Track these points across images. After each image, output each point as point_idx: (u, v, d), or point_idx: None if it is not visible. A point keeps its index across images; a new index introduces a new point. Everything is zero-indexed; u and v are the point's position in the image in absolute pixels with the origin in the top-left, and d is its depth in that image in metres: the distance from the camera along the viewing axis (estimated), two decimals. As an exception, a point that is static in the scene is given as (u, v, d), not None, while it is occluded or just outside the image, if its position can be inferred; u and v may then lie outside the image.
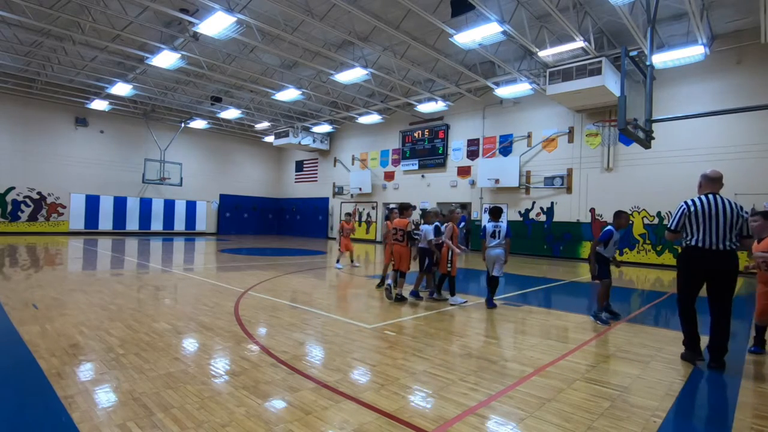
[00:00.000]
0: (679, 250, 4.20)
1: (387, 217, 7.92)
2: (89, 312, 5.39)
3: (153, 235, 23.78)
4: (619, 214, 5.80)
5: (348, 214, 12.06)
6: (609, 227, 5.74)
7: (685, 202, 4.01)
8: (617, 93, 9.72)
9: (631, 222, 14.56)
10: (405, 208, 6.97)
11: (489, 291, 6.54)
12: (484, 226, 6.61)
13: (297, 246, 19.13)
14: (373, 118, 21.55)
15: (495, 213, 6.66)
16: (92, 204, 22.22)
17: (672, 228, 4.11)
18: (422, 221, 6.94)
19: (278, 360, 3.81)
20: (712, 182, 4.01)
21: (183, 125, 24.81)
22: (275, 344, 4.30)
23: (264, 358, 3.85)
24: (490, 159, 18.35)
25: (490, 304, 6.46)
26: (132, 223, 23.54)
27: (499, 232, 6.43)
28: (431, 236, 6.75)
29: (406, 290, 7.15)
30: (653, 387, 3.45)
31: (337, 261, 11.22)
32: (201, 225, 26.32)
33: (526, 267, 12.96)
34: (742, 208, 3.86)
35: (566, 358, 4.13)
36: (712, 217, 3.81)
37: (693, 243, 3.90)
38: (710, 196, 3.92)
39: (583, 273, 11.81)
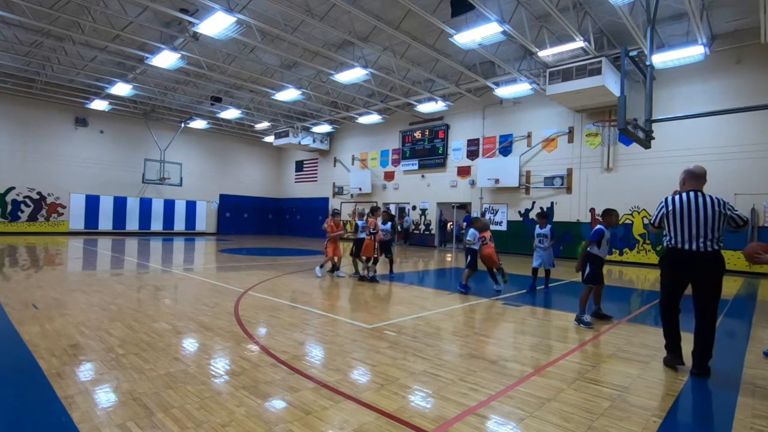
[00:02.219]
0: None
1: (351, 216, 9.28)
2: (89, 312, 5.39)
3: (153, 235, 23.79)
4: (608, 212, 5.74)
5: (336, 211, 10.21)
6: (599, 226, 5.65)
7: (665, 200, 3.86)
8: (617, 93, 9.72)
9: (630, 222, 14.57)
10: (374, 210, 9.33)
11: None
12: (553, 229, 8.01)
13: (297, 246, 19.13)
14: (373, 118, 21.56)
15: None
16: (92, 204, 22.23)
17: (653, 223, 4.06)
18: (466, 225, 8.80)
19: (278, 360, 3.81)
20: (695, 179, 3.75)
21: (183, 125, 24.82)
22: (275, 344, 4.30)
23: (264, 358, 3.85)
24: (490, 159, 18.36)
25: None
26: (132, 223, 23.55)
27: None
28: (468, 237, 8.31)
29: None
30: (653, 387, 3.45)
31: (321, 266, 9.55)
32: (201, 225, 26.33)
33: (526, 267, 12.96)
34: (725, 204, 3.63)
35: (566, 358, 4.13)
36: (691, 216, 3.62)
37: (672, 243, 3.76)
38: (691, 194, 3.71)
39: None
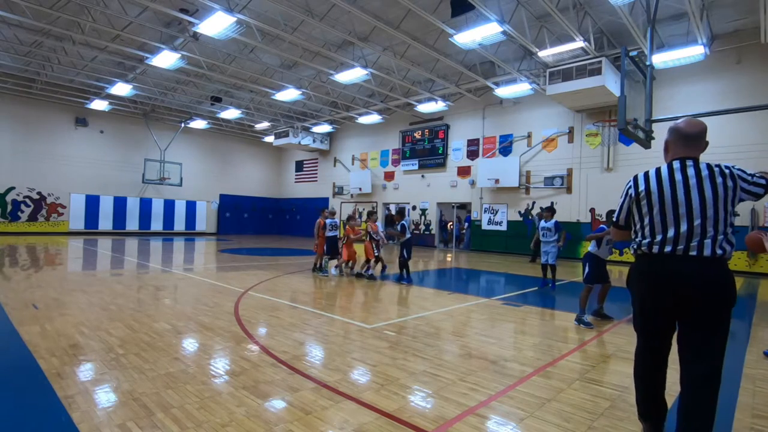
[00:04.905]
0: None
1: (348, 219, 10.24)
2: (89, 312, 5.39)
3: (153, 235, 23.78)
4: (612, 213, 5.80)
5: (350, 217, 10.36)
6: (602, 226, 5.75)
7: (634, 178, 2.39)
8: (617, 93, 9.72)
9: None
10: (370, 214, 9.82)
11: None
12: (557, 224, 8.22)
13: (297, 246, 19.13)
14: (373, 118, 21.55)
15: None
16: (92, 204, 22.22)
17: (617, 221, 2.53)
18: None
19: (278, 360, 3.81)
20: (687, 141, 2.28)
21: (183, 125, 24.81)
22: (275, 344, 4.30)
23: (264, 358, 3.85)
24: (490, 159, 18.35)
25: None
26: (132, 223, 23.54)
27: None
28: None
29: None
30: (653, 387, 3.45)
31: (336, 266, 9.89)
32: (201, 225, 26.32)
33: (526, 267, 12.96)
34: (734, 172, 2.17)
35: (566, 358, 4.13)
36: (678, 199, 2.17)
37: (646, 247, 2.26)
38: (675, 164, 2.25)
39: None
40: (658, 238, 2.21)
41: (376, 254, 9.30)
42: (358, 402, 2.97)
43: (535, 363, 3.95)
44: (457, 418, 2.77)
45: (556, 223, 8.07)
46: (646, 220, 2.27)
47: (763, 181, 2.18)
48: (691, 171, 2.19)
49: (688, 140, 2.29)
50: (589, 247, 5.72)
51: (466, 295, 7.55)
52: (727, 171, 2.16)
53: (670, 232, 2.17)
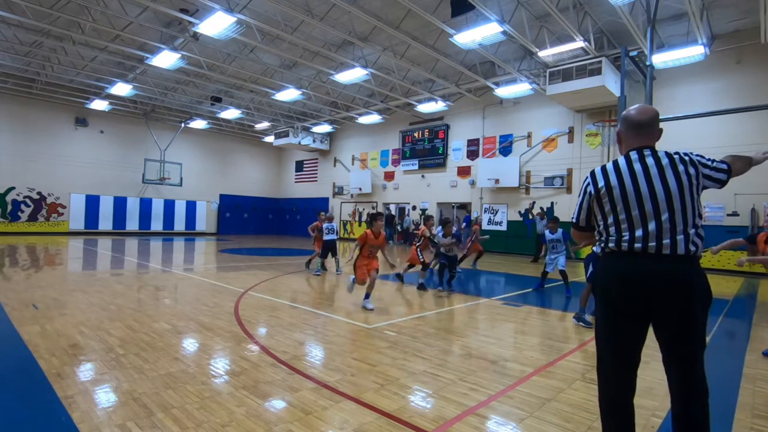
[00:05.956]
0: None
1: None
2: (89, 312, 5.39)
3: (153, 235, 23.78)
4: None
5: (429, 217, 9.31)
6: None
7: (591, 174, 2.22)
8: (617, 93, 9.74)
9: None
10: (427, 219, 8.80)
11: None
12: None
13: (297, 246, 19.12)
14: (373, 118, 21.56)
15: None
16: (92, 204, 22.23)
17: (577, 222, 2.31)
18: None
19: (278, 360, 3.81)
20: (639, 129, 2.15)
21: (183, 125, 24.81)
22: (275, 344, 4.30)
23: (264, 358, 3.85)
24: (490, 159, 18.36)
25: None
26: (132, 223, 23.55)
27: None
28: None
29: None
30: (653, 387, 3.45)
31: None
32: (201, 225, 26.32)
33: (526, 267, 12.96)
34: (693, 159, 2.04)
35: (566, 358, 4.13)
36: (641, 191, 2.02)
37: (613, 245, 2.08)
38: (633, 155, 2.11)
39: (583, 273, 11.78)
40: (626, 236, 2.04)
41: (422, 260, 8.35)
42: (358, 402, 2.97)
43: (535, 363, 3.94)
44: (457, 418, 2.77)
45: (564, 232, 7.61)
46: (610, 219, 2.10)
47: (724, 166, 2.09)
48: (650, 160, 2.06)
49: (640, 128, 2.14)
50: (593, 247, 5.72)
51: (466, 295, 7.55)
52: (686, 158, 2.04)
53: (638, 232, 2.01)
